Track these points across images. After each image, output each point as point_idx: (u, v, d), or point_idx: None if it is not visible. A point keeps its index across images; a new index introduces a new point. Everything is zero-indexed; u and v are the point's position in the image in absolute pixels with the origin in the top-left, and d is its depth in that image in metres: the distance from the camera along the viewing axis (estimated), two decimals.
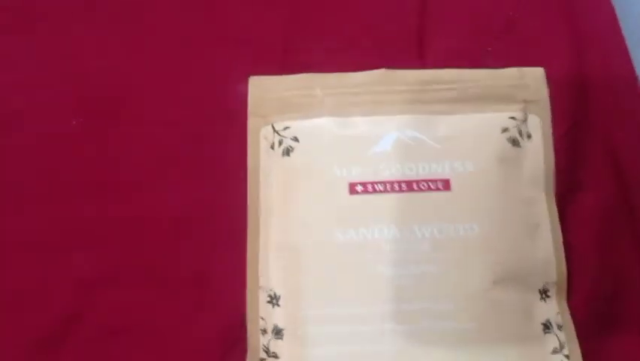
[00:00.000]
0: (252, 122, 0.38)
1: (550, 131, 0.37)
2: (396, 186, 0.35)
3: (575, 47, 0.41)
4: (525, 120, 0.37)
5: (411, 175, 0.35)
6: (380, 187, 0.35)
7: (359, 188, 0.35)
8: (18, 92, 0.41)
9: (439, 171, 0.35)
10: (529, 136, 0.37)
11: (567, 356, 0.33)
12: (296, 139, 0.37)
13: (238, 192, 0.37)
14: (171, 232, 0.38)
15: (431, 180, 0.35)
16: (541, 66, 0.38)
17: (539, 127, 0.37)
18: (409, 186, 0.35)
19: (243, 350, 0.35)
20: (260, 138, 0.38)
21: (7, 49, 0.42)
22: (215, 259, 0.37)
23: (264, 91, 0.38)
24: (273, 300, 0.35)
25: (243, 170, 0.38)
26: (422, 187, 0.35)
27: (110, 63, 0.41)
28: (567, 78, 0.39)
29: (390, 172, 0.35)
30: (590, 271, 0.36)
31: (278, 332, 0.34)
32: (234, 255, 0.36)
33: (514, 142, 0.36)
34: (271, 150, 0.37)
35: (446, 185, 0.34)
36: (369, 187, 0.35)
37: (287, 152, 0.37)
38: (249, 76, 0.39)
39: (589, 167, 0.38)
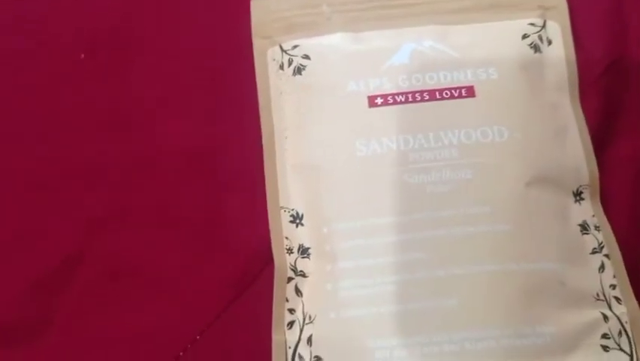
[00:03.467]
0: (257, 44, 0.37)
1: (570, 37, 0.36)
2: (417, 96, 0.33)
3: None
4: (544, 26, 0.35)
5: (432, 84, 0.33)
6: (401, 98, 0.33)
7: (379, 100, 0.33)
8: (23, 26, 0.38)
9: (461, 78, 0.33)
10: (549, 42, 0.35)
11: (607, 256, 0.32)
12: (307, 57, 0.35)
13: (252, 124, 0.35)
14: (183, 169, 0.36)
15: (454, 88, 0.33)
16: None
17: (559, 33, 0.36)
18: (432, 95, 0.33)
19: (269, 277, 0.33)
20: (267, 60, 0.36)
21: None
22: (230, 192, 0.35)
23: (266, 12, 0.37)
24: (296, 219, 0.33)
25: (257, 101, 0.36)
26: (445, 95, 0.33)
27: None
28: (603, 13, 0.37)
29: (411, 83, 0.33)
30: (623, 221, 0.34)
31: (304, 251, 0.32)
32: (250, 185, 0.35)
33: (536, 48, 0.35)
34: (280, 70, 0.36)
35: (470, 91, 0.33)
36: (390, 99, 0.33)
37: (298, 70, 0.35)
38: None
39: (625, 114, 0.36)
